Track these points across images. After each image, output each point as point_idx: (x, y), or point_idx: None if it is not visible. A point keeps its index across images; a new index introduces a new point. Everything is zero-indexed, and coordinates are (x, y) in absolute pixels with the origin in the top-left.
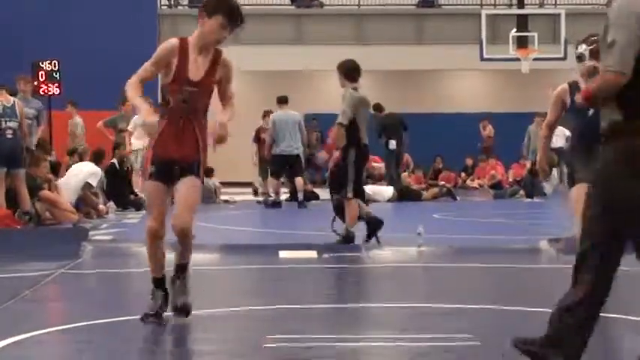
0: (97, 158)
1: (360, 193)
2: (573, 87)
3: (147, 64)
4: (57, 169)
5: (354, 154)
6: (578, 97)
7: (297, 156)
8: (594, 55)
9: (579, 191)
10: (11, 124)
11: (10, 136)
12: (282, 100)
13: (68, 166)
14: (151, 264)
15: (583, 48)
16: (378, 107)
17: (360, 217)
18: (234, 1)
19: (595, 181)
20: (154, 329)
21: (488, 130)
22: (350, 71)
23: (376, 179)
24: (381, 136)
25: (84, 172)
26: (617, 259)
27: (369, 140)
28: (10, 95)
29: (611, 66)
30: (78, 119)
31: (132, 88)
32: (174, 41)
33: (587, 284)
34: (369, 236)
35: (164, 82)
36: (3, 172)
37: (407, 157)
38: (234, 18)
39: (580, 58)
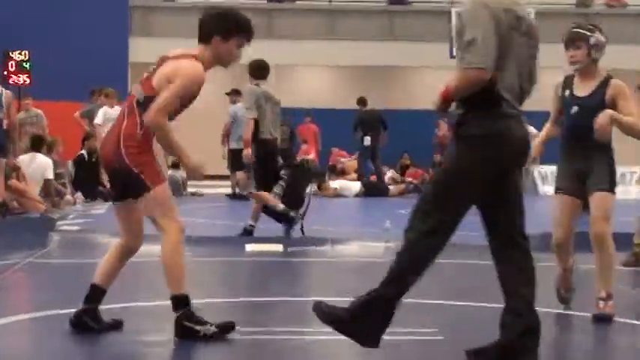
0: (35, 145)
1: (267, 187)
2: (567, 82)
3: (171, 98)
4: None
5: (256, 148)
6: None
7: None
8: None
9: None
10: None
11: None
12: (237, 93)
13: None
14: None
15: None
16: (361, 101)
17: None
18: (246, 18)
19: (446, 169)
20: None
21: (443, 130)
22: (256, 69)
23: (340, 174)
24: (356, 129)
25: (40, 166)
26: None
27: (343, 135)
28: None
29: (475, 63)
30: (37, 111)
31: (172, 137)
32: (201, 68)
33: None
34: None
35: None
36: None
37: None
38: (251, 35)
39: None
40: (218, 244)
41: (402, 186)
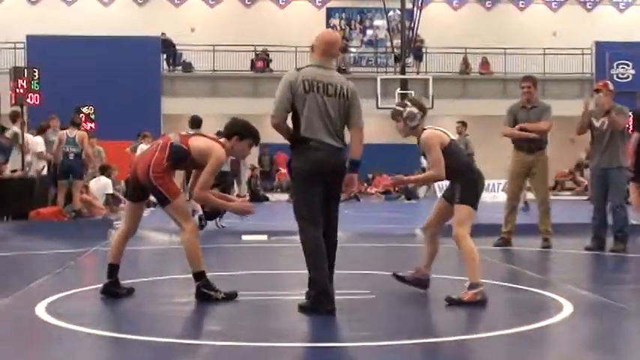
0: (102, 171)
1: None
2: None
3: (211, 177)
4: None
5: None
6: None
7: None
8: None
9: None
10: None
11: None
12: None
13: None
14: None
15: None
16: None
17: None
18: (256, 129)
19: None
20: (130, 287)
21: None
22: (191, 122)
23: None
24: None
25: (103, 185)
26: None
27: None
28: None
29: (272, 112)
30: (99, 148)
31: (214, 200)
32: (224, 153)
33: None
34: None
35: (183, 165)
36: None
37: None
38: (258, 140)
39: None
40: (221, 234)
41: (345, 194)
